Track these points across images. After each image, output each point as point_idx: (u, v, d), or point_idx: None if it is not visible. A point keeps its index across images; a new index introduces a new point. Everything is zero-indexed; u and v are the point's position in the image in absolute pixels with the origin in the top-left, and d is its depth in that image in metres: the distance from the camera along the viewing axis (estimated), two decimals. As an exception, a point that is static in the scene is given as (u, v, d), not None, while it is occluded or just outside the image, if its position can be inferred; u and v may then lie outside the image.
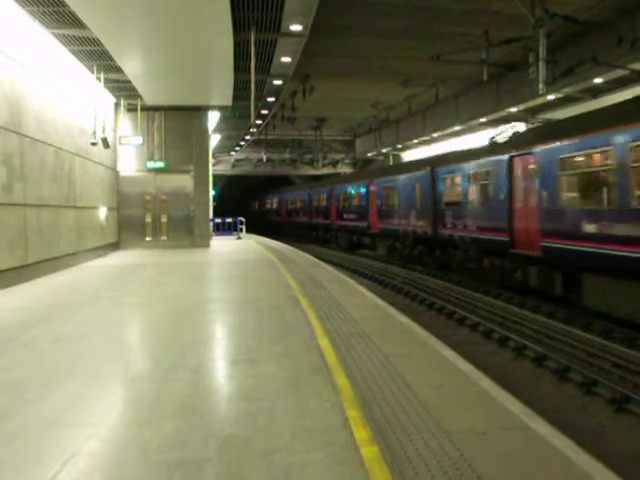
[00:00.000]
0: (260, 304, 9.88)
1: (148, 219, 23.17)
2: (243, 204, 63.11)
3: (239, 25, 13.76)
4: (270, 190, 55.15)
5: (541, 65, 14.37)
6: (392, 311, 9.23)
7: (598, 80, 18.11)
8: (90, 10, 12.17)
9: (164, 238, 23.24)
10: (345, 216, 30.57)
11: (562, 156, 11.91)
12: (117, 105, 21.97)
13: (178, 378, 5.67)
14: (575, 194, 11.83)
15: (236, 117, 26.19)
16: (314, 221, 37.93)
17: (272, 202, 53.63)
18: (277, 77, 19.40)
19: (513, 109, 23.01)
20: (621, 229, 10.02)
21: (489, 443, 4.01)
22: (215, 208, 30.25)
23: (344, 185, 31.49)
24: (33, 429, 4.39)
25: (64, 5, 11.99)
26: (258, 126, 29.72)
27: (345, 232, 30.99)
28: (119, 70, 16.79)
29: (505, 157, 14.50)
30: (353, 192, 29.64)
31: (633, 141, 9.78)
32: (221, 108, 23.02)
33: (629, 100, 11.33)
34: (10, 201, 12.17)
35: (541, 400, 7.31)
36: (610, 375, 8.22)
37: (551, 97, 20.20)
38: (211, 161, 27.28)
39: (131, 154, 22.68)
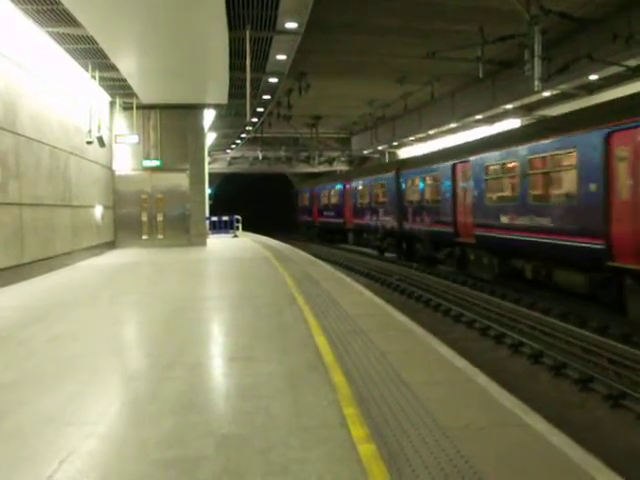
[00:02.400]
0: (257, 302, 9.87)
1: (144, 218, 23.11)
2: (258, 202, 44.88)
3: (234, 23, 13.73)
4: (324, 178, 38.16)
5: (536, 62, 14.37)
6: (389, 309, 9.24)
7: (593, 77, 18.14)
8: (84, 8, 12.12)
9: (160, 237, 23.19)
10: (503, 218, 14.17)
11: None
12: (112, 104, 21.89)
13: (175, 376, 5.66)
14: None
15: (232, 115, 26.12)
16: (409, 227, 21.33)
17: (329, 194, 33.75)
18: (272, 75, 19.37)
19: (509, 106, 23.06)
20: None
21: (486, 440, 4.02)
22: (212, 206, 30.13)
23: (492, 151, 15.07)
24: (30, 427, 4.37)
25: (58, 3, 11.94)
26: (254, 124, 29.68)
27: (493, 253, 15.12)
28: (114, 68, 16.73)
29: None
30: (528, 162, 13.20)
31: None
32: (217, 106, 22.97)
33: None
34: (6, 200, 12.13)
35: (538, 396, 7.32)
36: (606, 371, 8.24)
37: (547, 94, 20.23)
38: (207, 159, 27.25)
39: (127, 153, 22.61)
